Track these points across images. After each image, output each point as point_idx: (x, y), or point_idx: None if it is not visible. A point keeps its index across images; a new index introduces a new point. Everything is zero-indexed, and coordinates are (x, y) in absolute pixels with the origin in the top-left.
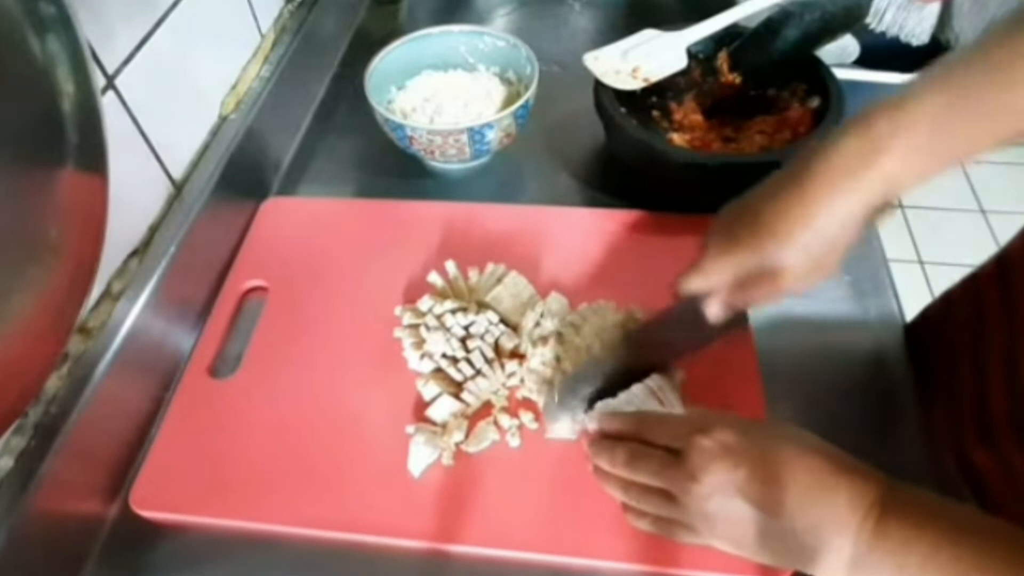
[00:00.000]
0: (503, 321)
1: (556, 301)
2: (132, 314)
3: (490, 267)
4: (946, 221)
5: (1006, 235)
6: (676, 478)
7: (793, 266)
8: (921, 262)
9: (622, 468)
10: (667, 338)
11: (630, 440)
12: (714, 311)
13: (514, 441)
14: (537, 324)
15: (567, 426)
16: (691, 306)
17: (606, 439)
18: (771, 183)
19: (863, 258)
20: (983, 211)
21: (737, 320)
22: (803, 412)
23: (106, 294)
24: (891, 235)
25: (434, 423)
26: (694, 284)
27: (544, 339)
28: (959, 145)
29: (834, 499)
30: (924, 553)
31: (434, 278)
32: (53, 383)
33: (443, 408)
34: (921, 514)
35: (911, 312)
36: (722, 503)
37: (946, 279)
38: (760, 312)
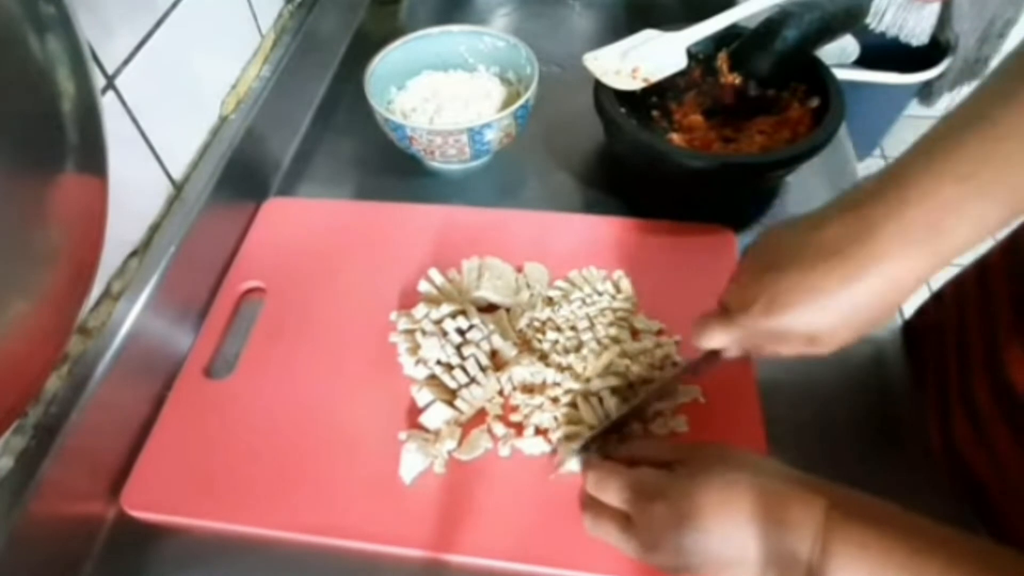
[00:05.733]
0: (504, 308)
1: (536, 269)
2: (132, 314)
3: (465, 264)
4: None
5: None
6: (637, 549)
7: (833, 335)
8: None
9: (591, 531)
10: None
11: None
12: (735, 354)
13: (506, 450)
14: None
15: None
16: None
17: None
18: (814, 243)
19: None
20: None
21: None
22: (802, 413)
23: (106, 294)
24: None
25: (427, 430)
26: (719, 341)
27: (532, 305)
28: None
29: (786, 527)
30: (874, 562)
31: (424, 287)
32: (53, 383)
33: (436, 415)
34: (868, 525)
35: (911, 312)
36: (687, 560)
37: (946, 279)
38: None
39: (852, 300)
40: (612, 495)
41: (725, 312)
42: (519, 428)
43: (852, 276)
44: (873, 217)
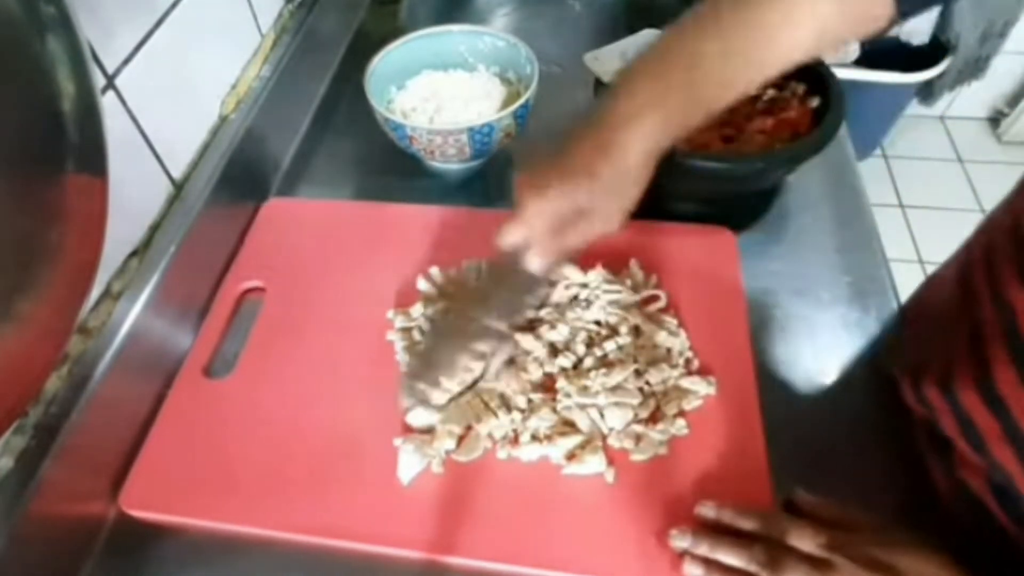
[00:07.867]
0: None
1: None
2: (132, 314)
3: (465, 263)
4: (946, 221)
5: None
6: None
7: (601, 203)
8: (921, 262)
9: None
10: (506, 297)
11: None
12: (535, 263)
13: (503, 452)
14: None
15: (424, 414)
16: (515, 264)
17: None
18: (573, 134)
19: (863, 258)
20: (983, 211)
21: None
22: (801, 414)
23: (106, 294)
24: (891, 235)
25: (414, 430)
26: (515, 234)
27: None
28: (712, 91)
29: None
30: None
31: (423, 285)
32: (53, 383)
33: (420, 416)
34: None
35: (908, 304)
36: None
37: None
38: (757, 313)
39: (608, 159)
40: (809, 540)
41: None
42: (515, 434)
43: (592, 148)
44: (608, 105)
